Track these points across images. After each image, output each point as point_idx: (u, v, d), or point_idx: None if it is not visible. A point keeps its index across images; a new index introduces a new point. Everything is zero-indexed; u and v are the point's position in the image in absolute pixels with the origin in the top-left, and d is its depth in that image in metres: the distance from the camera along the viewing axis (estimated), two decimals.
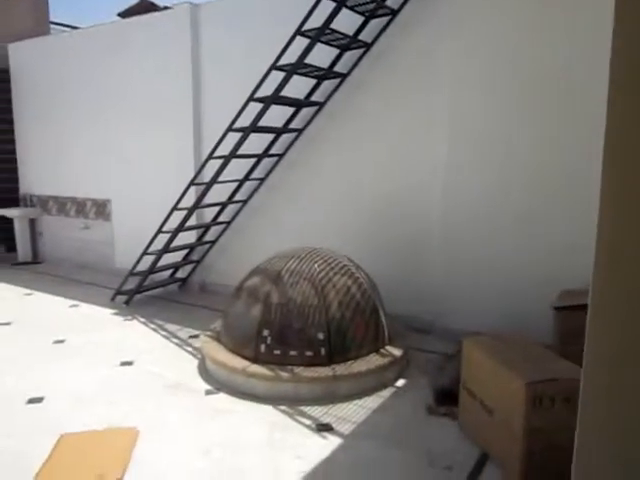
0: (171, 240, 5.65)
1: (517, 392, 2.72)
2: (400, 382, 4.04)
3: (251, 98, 4.86)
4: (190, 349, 4.73)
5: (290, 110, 5.47)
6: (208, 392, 3.89)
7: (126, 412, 3.60)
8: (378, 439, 3.27)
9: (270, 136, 5.66)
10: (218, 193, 5.90)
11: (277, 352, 3.87)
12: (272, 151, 5.75)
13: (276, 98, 4.75)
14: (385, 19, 4.89)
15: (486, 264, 4.65)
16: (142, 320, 5.54)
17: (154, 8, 7.20)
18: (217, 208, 6.18)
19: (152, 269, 5.87)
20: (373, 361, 3.96)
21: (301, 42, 4.56)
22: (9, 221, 8.47)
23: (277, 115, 5.35)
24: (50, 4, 8.52)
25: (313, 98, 5.36)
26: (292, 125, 5.55)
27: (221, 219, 6.29)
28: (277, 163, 5.84)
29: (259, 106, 4.86)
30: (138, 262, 5.97)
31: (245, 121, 4.99)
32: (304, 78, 5.08)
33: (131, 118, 7.01)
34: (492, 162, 4.54)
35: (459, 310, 4.81)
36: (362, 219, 5.33)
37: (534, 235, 4.41)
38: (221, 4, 6.04)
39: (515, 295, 4.48)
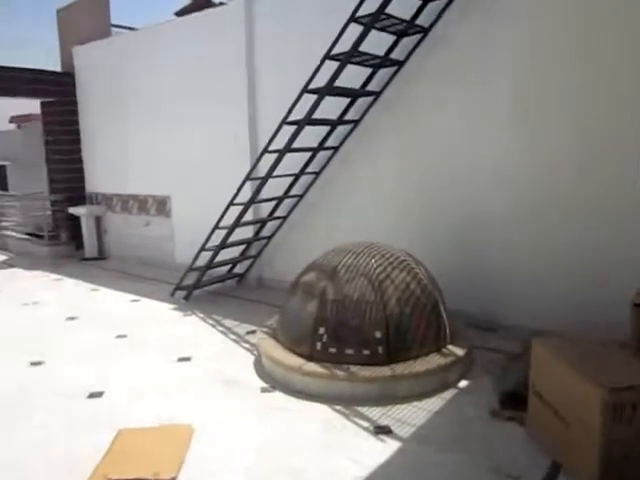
0: (228, 236, 5.64)
1: (595, 400, 2.48)
2: (463, 383, 3.84)
3: (305, 89, 4.75)
4: (247, 345, 4.70)
5: (345, 101, 5.33)
6: (263, 390, 3.83)
7: (182, 408, 3.60)
8: (439, 443, 3.10)
9: (325, 129, 5.54)
10: (274, 188, 5.85)
11: (333, 350, 3.76)
12: (327, 144, 5.62)
13: (330, 89, 4.62)
14: (443, 2, 4.65)
15: (552, 257, 4.35)
16: (200, 315, 5.58)
17: (210, 5, 7.24)
18: (273, 203, 6.13)
19: (210, 265, 5.89)
20: (434, 361, 3.77)
21: (356, 30, 4.40)
22: (77, 219, 8.79)
23: (332, 107, 5.22)
24: (111, 8, 8.73)
25: (369, 88, 5.19)
26: (347, 116, 5.40)
27: (277, 214, 6.24)
28: (332, 156, 5.71)
29: (314, 98, 4.74)
30: (196, 258, 6.02)
31: (300, 114, 4.88)
32: (359, 67, 4.92)
33: (188, 115, 7.07)
34: (558, 151, 4.24)
35: (524, 306, 4.53)
36: (420, 212, 5.13)
37: (606, 227, 4.08)
38: None
39: (584, 290, 4.17)
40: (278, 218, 6.21)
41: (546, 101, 4.27)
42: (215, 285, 6.50)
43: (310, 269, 4.23)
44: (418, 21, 4.73)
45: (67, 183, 8.92)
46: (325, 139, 5.62)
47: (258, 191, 5.36)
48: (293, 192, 6.03)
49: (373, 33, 4.43)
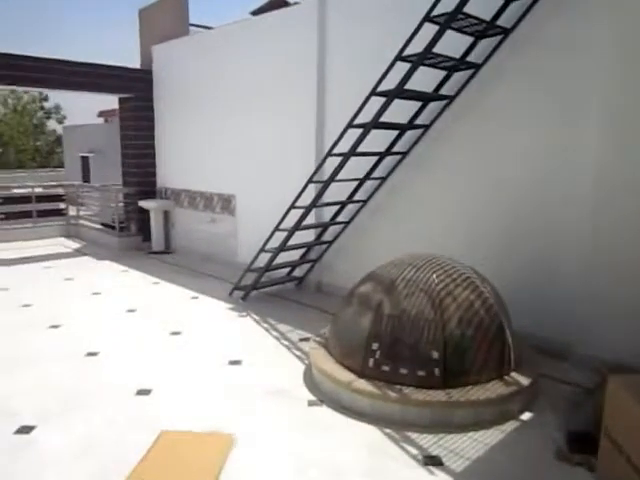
0: (288, 238, 5.54)
1: None
2: (525, 415, 3.51)
3: (373, 92, 4.55)
4: (299, 353, 4.56)
5: (416, 105, 5.08)
6: (311, 403, 3.68)
7: (227, 415, 3.51)
8: None
9: (393, 133, 5.31)
10: (338, 192, 5.70)
11: (386, 368, 3.54)
12: (395, 149, 5.39)
13: (400, 91, 4.40)
14: (527, 1, 4.32)
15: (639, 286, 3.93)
16: (255, 318, 5.50)
17: (285, 4, 7.19)
18: (336, 207, 5.97)
19: (268, 267, 5.82)
20: (495, 389, 3.48)
21: (430, 30, 4.16)
22: (146, 212, 9.01)
23: (402, 110, 4.99)
24: (190, 7, 8.90)
25: (442, 92, 4.92)
26: (418, 121, 5.15)
27: (340, 219, 6.07)
28: (400, 162, 5.48)
29: (383, 100, 4.53)
30: (255, 259, 5.96)
31: (368, 116, 4.69)
32: (432, 70, 4.67)
33: (257, 115, 7.06)
34: None
35: (603, 334, 4.10)
36: (492, 228, 4.79)
37: None
38: None
39: None
40: (340, 223, 6.05)
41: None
42: (273, 287, 6.43)
43: (367, 280, 4.04)
44: (499, 21, 4.42)
45: (139, 177, 9.17)
46: (393, 144, 5.39)
47: (320, 195, 5.22)
48: (357, 197, 5.85)
49: (449, 34, 4.17)
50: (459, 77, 4.86)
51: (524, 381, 3.61)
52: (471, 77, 4.77)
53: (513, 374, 3.68)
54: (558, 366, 4.23)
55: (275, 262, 5.88)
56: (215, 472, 2.90)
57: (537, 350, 4.28)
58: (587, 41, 4.07)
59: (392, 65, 4.39)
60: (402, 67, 4.35)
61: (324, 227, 6.17)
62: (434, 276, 3.72)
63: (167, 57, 8.74)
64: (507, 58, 4.56)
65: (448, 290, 3.65)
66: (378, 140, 5.24)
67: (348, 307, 3.99)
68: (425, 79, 4.71)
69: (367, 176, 5.61)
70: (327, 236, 6.29)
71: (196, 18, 9.12)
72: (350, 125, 4.82)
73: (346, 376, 3.65)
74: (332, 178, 5.01)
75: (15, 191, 11.03)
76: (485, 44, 4.63)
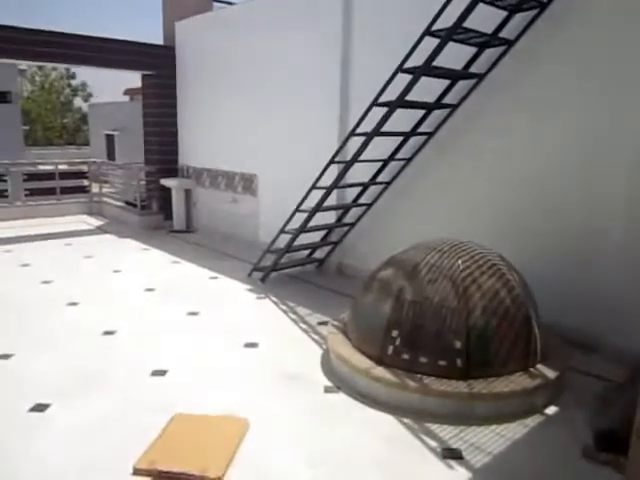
0: (308, 219, 5.42)
1: None
2: (550, 410, 3.37)
3: (400, 68, 4.36)
4: (317, 337, 4.47)
5: (444, 84, 4.87)
6: (327, 389, 3.58)
7: (241, 398, 3.44)
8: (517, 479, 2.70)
9: (419, 112, 5.12)
10: (361, 173, 5.55)
11: (405, 356, 3.42)
12: (421, 129, 5.20)
13: (428, 68, 4.20)
14: None
15: None
16: (274, 300, 5.42)
17: None
18: (358, 189, 5.82)
19: (288, 248, 5.72)
20: (519, 381, 3.33)
21: (462, 3, 3.94)
22: (168, 191, 8.97)
23: (429, 89, 4.79)
24: None
25: (472, 69, 4.70)
26: (445, 100, 4.94)
27: (362, 200, 5.92)
28: (426, 143, 5.28)
29: (409, 78, 4.34)
30: (275, 240, 5.87)
31: (394, 95, 4.50)
32: (461, 47, 4.45)
33: (280, 93, 6.91)
34: None
35: (636, 325, 3.92)
36: (521, 213, 4.59)
37: None
38: None
39: None
40: (362, 205, 5.90)
41: None
42: (293, 269, 6.33)
43: (389, 264, 3.90)
44: None
45: (161, 155, 9.12)
46: (419, 124, 5.20)
47: (342, 175, 5.08)
48: (380, 179, 5.69)
49: (481, 7, 3.95)
50: (490, 54, 4.62)
51: (550, 374, 3.45)
52: (503, 54, 4.53)
53: (539, 366, 3.53)
54: (586, 358, 4.06)
55: (295, 243, 5.78)
56: (227, 459, 2.83)
57: (564, 341, 4.10)
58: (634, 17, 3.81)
59: (420, 40, 4.19)
60: (430, 43, 4.15)
61: (346, 209, 6.03)
62: (459, 262, 3.57)
63: (190, 34, 8.60)
64: (542, 36, 4.31)
65: (473, 277, 3.49)
66: (403, 120, 5.06)
67: (368, 292, 3.87)
68: (454, 56, 4.49)
69: (391, 157, 5.43)
70: (349, 218, 6.15)
71: None
72: (375, 103, 4.64)
73: (364, 363, 3.54)
74: (355, 158, 4.85)
75: (40, 167, 11.10)
76: (519, 18, 4.38)
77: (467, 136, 4.96)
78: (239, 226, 7.97)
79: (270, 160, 7.24)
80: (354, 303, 4.03)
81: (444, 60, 4.25)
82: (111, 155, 22.11)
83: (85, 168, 10.64)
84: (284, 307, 5.21)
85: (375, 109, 4.70)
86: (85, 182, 10.62)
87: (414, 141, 5.34)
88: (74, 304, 5.16)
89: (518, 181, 4.59)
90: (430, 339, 3.38)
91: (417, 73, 4.20)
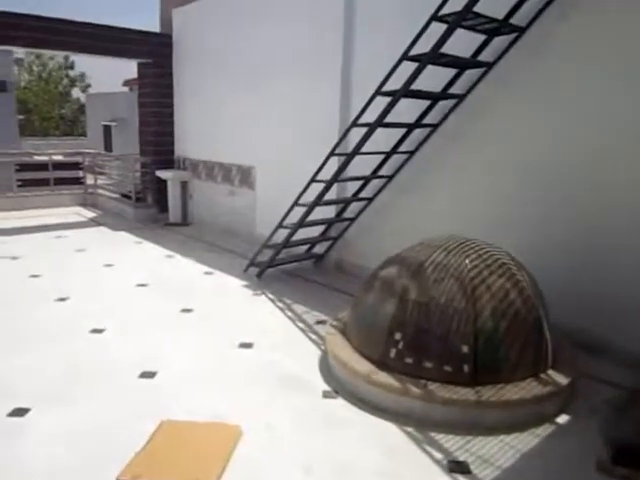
0: (307, 214, 5.21)
1: None
2: (562, 419, 3.17)
3: (405, 56, 4.14)
4: (315, 337, 4.27)
5: (451, 72, 4.66)
6: (325, 394, 3.39)
7: (234, 403, 3.24)
8: None
9: (424, 103, 4.90)
10: (363, 166, 5.33)
11: (409, 360, 3.23)
12: (426, 120, 4.98)
13: (434, 56, 3.98)
14: None
15: None
16: (271, 297, 5.22)
17: None
18: (359, 183, 5.60)
19: (286, 243, 5.51)
20: (530, 388, 3.14)
21: None
22: (164, 183, 8.75)
23: (435, 78, 4.58)
24: None
25: (481, 58, 4.48)
26: (452, 90, 4.73)
27: (363, 195, 5.71)
28: (430, 135, 5.07)
29: (415, 66, 4.12)
30: (272, 234, 5.66)
31: (398, 84, 4.28)
32: (470, 34, 4.23)
33: (279, 83, 6.67)
34: None
35: None
36: (529, 209, 4.38)
37: None
38: None
39: None
40: (363, 199, 5.69)
41: None
42: (291, 264, 6.13)
43: (392, 262, 3.70)
44: None
45: (157, 146, 8.89)
46: (424, 115, 4.98)
47: (343, 168, 4.86)
48: (382, 172, 5.47)
49: None
50: (500, 42, 4.40)
51: (562, 380, 3.26)
52: (514, 42, 4.31)
53: (550, 372, 3.34)
54: (595, 361, 3.86)
55: (293, 238, 5.57)
56: (219, 467, 2.65)
57: (575, 344, 3.91)
58: None
59: (427, 26, 3.97)
60: (437, 30, 3.92)
61: (346, 203, 5.82)
62: (467, 261, 3.36)
63: (187, 21, 8.36)
64: (556, 20, 4.09)
65: (482, 277, 3.29)
66: (407, 111, 4.84)
67: (370, 291, 3.66)
68: (462, 44, 4.27)
69: (394, 149, 5.22)
70: (349, 213, 5.94)
71: None
72: (378, 92, 4.42)
73: (365, 367, 3.34)
74: (356, 151, 4.64)
75: (34, 158, 10.86)
76: (531, 4, 4.15)
77: (474, 128, 4.74)
78: (236, 219, 7.76)
79: (269, 152, 7.02)
80: (354, 303, 3.83)
81: (450, 48, 4.03)
82: (108, 146, 21.86)
83: (80, 159, 10.41)
84: (281, 305, 5.01)
85: (378, 99, 4.48)
86: (80, 173, 10.40)
87: (418, 133, 5.12)
88: (62, 300, 4.95)
89: (527, 174, 4.38)
90: (435, 342, 3.19)
91: (423, 61, 3.98)
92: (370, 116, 4.54)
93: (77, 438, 2.85)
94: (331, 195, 5.55)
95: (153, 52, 8.49)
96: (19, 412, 3.07)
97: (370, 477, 2.62)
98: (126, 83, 24.56)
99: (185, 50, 8.44)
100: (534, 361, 3.28)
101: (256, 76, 7.06)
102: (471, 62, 4.45)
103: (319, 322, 4.56)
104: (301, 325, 4.53)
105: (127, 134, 19.00)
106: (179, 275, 5.92)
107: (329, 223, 5.94)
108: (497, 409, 3.04)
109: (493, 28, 4.21)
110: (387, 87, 4.39)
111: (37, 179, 9.71)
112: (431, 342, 3.19)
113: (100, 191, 10.18)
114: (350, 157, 4.72)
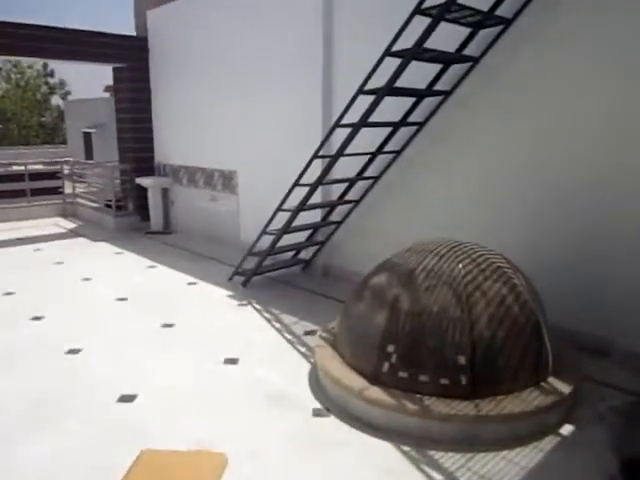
0: (292, 219, 5.01)
1: None
2: (566, 429, 3.01)
3: (387, 52, 3.95)
4: (303, 349, 4.08)
5: (435, 68, 4.48)
6: (316, 412, 3.19)
7: (218, 427, 3.04)
8: None
9: (409, 101, 4.72)
10: (348, 167, 5.15)
11: (403, 375, 3.04)
12: (411, 119, 4.81)
13: (418, 52, 3.80)
14: None
15: None
16: (257, 307, 5.02)
17: None
18: (344, 185, 5.42)
19: (270, 250, 5.31)
20: (531, 399, 2.97)
21: None
22: (145, 190, 8.50)
23: (419, 75, 4.40)
24: None
25: (467, 52, 4.31)
26: (438, 87, 4.56)
27: (349, 197, 5.53)
28: (417, 133, 4.89)
29: (398, 62, 3.94)
30: (257, 241, 5.46)
31: (381, 82, 4.10)
32: (455, 28, 4.06)
33: (260, 85, 6.47)
34: None
35: None
36: (522, 200, 4.22)
37: None
38: None
39: None
40: (349, 202, 5.50)
41: None
42: (277, 271, 5.93)
43: (382, 269, 3.51)
44: None
45: (136, 152, 8.64)
46: (409, 113, 4.80)
47: (327, 171, 4.68)
48: (368, 173, 5.29)
49: None
50: (486, 35, 4.24)
51: (564, 388, 3.10)
52: (499, 34, 4.15)
53: (551, 379, 3.17)
54: (599, 364, 3.72)
55: (279, 244, 5.37)
56: None
57: (576, 346, 3.76)
58: None
59: (410, 19, 3.78)
60: (421, 24, 3.74)
61: (332, 206, 5.63)
62: (460, 266, 3.19)
63: (163, 22, 8.11)
64: (543, 15, 3.93)
65: (476, 283, 3.12)
66: (392, 109, 4.67)
67: (359, 301, 3.48)
68: (446, 38, 4.10)
69: (380, 150, 5.04)
70: (335, 216, 5.75)
71: None
72: (361, 91, 4.23)
73: (357, 382, 3.16)
74: (340, 152, 4.45)
75: (14, 168, 10.54)
76: None
77: (461, 124, 4.58)
78: (220, 226, 7.54)
79: (251, 155, 6.81)
80: (344, 313, 3.64)
81: (435, 43, 3.86)
82: (89, 153, 21.43)
83: (57, 168, 10.12)
84: (267, 315, 4.81)
85: (362, 98, 4.29)
86: (59, 183, 10.11)
87: (404, 132, 4.95)
88: (37, 318, 4.71)
89: (519, 171, 4.22)
90: (430, 354, 3.01)
91: (407, 56, 3.80)
92: (355, 116, 4.35)
93: (47, 474, 2.63)
94: (316, 198, 5.37)
95: (128, 56, 8.23)
96: None
97: None
98: (107, 89, 24.11)
99: (162, 53, 8.20)
100: (534, 369, 3.11)
101: (236, 77, 6.85)
102: (456, 57, 4.28)
103: (308, 332, 4.37)
104: (289, 336, 4.33)
105: (107, 141, 18.61)
106: (161, 287, 5.70)
107: (315, 227, 5.75)
108: (498, 423, 2.86)
109: (478, 21, 4.04)
110: (371, 85, 4.21)
111: (13, 190, 9.42)
112: (426, 354, 3.01)
113: (80, 200, 9.89)
114: (334, 159, 4.53)
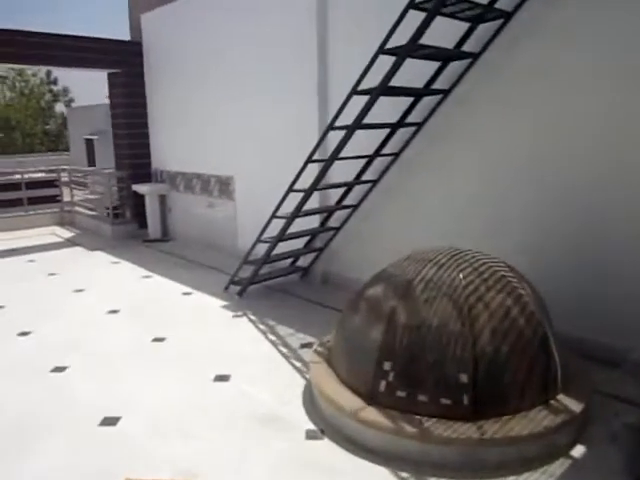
0: (287, 226, 4.82)
1: None
2: (577, 450, 2.79)
3: (381, 50, 3.75)
4: (299, 364, 3.88)
5: (433, 66, 4.28)
6: (309, 434, 3.00)
7: (205, 454, 2.85)
8: None
9: (407, 101, 4.52)
10: (346, 171, 4.97)
11: (401, 394, 2.84)
12: (409, 119, 4.60)
13: (413, 48, 3.60)
14: None
15: None
16: (252, 318, 4.83)
17: None
18: (342, 190, 5.22)
19: (266, 259, 5.12)
20: (539, 419, 2.76)
21: None
22: (141, 197, 8.34)
23: (416, 73, 4.21)
24: None
25: (465, 48, 4.11)
26: (436, 85, 4.35)
27: (347, 202, 5.33)
28: (415, 134, 4.69)
29: (393, 60, 3.74)
30: (252, 250, 5.27)
31: (377, 81, 3.90)
32: (454, 23, 3.86)
33: (255, 88, 6.29)
34: None
35: None
36: (526, 201, 4.01)
37: None
38: None
39: None
40: (347, 207, 5.30)
41: None
42: (275, 279, 5.73)
43: (378, 280, 3.31)
44: None
45: (132, 159, 8.48)
46: (407, 113, 4.60)
47: (322, 176, 4.47)
48: (366, 177, 5.09)
49: None
50: (485, 30, 4.03)
51: (575, 406, 2.88)
52: (500, 28, 3.94)
53: (560, 397, 2.96)
54: (608, 376, 3.49)
55: (276, 252, 5.18)
56: None
57: (584, 356, 3.54)
58: None
59: (404, 15, 3.57)
60: (416, 20, 3.54)
61: (329, 212, 5.43)
62: (460, 276, 2.98)
63: (157, 26, 7.96)
64: (544, 8, 3.72)
65: (478, 294, 2.91)
66: (390, 110, 4.48)
67: (354, 314, 3.28)
68: (444, 34, 3.91)
69: (377, 152, 4.84)
70: (333, 222, 5.56)
71: None
72: (354, 91, 4.03)
73: (352, 402, 2.96)
74: (334, 156, 4.25)
75: (15, 176, 10.41)
76: None
77: (461, 122, 4.37)
78: (217, 233, 7.36)
79: (248, 160, 6.63)
80: (339, 326, 3.44)
81: (432, 39, 3.66)
82: (91, 160, 21.36)
83: (55, 176, 9.99)
84: (262, 326, 4.62)
85: (357, 99, 4.09)
86: (57, 191, 9.98)
87: (403, 134, 4.74)
88: (25, 334, 4.54)
89: (523, 171, 4.01)
90: (430, 372, 2.80)
91: (401, 53, 3.60)
92: (351, 119, 4.14)
93: None
94: (313, 204, 5.19)
95: (123, 61, 8.08)
96: None
97: None
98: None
99: (157, 58, 8.04)
100: (542, 386, 2.90)
101: (231, 81, 6.67)
102: (455, 53, 4.08)
103: (304, 345, 4.18)
104: (284, 350, 4.13)
105: (110, 147, 18.54)
106: (155, 297, 5.52)
107: (312, 234, 5.55)
108: (503, 446, 2.65)
109: (477, 14, 3.84)
110: (366, 85, 4.01)
111: (10, 199, 9.30)
112: (425, 372, 2.81)
113: (77, 209, 9.75)
114: (328, 163, 4.34)
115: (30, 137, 33.96)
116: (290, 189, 4.71)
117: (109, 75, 8.44)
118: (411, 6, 3.51)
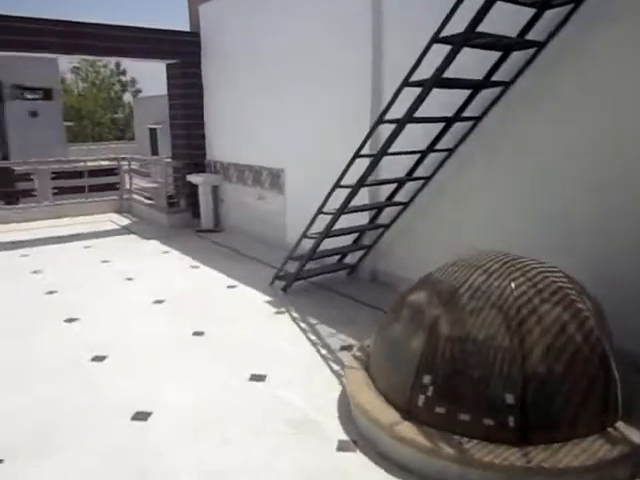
0: (333, 222, 4.67)
1: None
2: None
3: (435, 39, 3.50)
4: (337, 367, 3.73)
5: (494, 56, 3.99)
6: (341, 445, 2.84)
7: (232, 456, 2.77)
8: None
9: (463, 94, 4.25)
10: (399, 167, 4.75)
11: (440, 411, 2.64)
12: (465, 113, 4.33)
13: (470, 36, 3.34)
14: None
15: None
16: (294, 315, 4.71)
17: None
18: (393, 186, 5.00)
19: (311, 255, 4.99)
20: (594, 450, 2.48)
21: None
22: (195, 187, 8.40)
23: (474, 64, 3.93)
24: None
25: (529, 37, 3.79)
26: (495, 77, 4.06)
27: (398, 198, 5.11)
28: (472, 130, 4.41)
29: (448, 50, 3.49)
30: (297, 245, 5.14)
31: (430, 72, 3.66)
32: (516, 8, 3.56)
33: (310, 81, 6.13)
34: None
35: None
36: (589, 213, 3.69)
37: None
38: None
39: None
40: (398, 204, 5.08)
41: None
42: (321, 276, 5.59)
43: (422, 286, 3.10)
44: None
45: (188, 149, 8.54)
46: (463, 107, 4.33)
47: (370, 171, 4.28)
48: (419, 173, 4.85)
49: None
50: (553, 16, 3.70)
51: (636, 436, 2.58)
52: (570, 14, 3.60)
53: (619, 424, 2.66)
54: None
55: (323, 248, 5.04)
56: None
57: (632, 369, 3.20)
58: None
59: (461, 0, 3.31)
60: (475, 5, 3.27)
61: (378, 209, 5.23)
62: (512, 285, 2.73)
63: (215, 17, 7.93)
64: None
65: (531, 306, 2.65)
66: (445, 104, 4.22)
67: (395, 320, 3.09)
68: (503, 22, 3.61)
69: (430, 148, 4.59)
70: (384, 218, 5.35)
71: None
72: (406, 83, 3.80)
73: (387, 415, 2.78)
74: (383, 151, 4.05)
75: (72, 165, 10.79)
76: None
77: (523, 121, 4.06)
78: (266, 226, 7.29)
79: (298, 153, 6.51)
80: (379, 332, 3.25)
81: (494, 27, 3.39)
82: (155, 149, 21.97)
83: (115, 164, 10.24)
84: (304, 325, 4.50)
85: (411, 92, 3.85)
86: (117, 179, 10.24)
87: (458, 128, 4.47)
88: (71, 320, 4.62)
89: (584, 171, 3.68)
90: (473, 389, 2.58)
91: (457, 42, 3.34)
92: (402, 110, 3.92)
93: None
94: (363, 199, 5.01)
95: (181, 52, 8.11)
96: None
97: None
98: None
99: (214, 49, 8.03)
100: (600, 412, 2.62)
101: (287, 74, 6.55)
102: (517, 42, 3.77)
103: (344, 347, 4.02)
104: (323, 351, 3.99)
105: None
106: (200, 289, 5.51)
107: (360, 231, 5.37)
108: (551, 477, 2.40)
109: (543, 0, 3.52)
110: (419, 75, 3.77)
111: (74, 187, 9.62)
112: (467, 389, 2.59)
113: (135, 197, 9.96)
114: (377, 158, 4.14)
115: (99, 126, 35.36)
116: (337, 184, 4.54)
117: (167, 66, 8.53)
118: None
